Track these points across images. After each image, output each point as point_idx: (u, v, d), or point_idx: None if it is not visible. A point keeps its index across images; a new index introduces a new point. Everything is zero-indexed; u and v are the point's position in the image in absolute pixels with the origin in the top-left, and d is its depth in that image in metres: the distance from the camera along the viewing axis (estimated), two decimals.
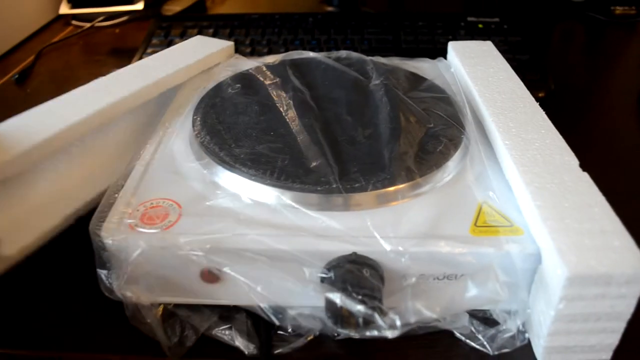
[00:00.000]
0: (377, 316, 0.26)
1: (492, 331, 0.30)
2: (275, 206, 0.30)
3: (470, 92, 0.42)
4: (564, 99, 0.55)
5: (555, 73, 0.58)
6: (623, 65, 0.65)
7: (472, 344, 0.30)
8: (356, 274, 0.27)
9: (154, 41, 0.62)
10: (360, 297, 0.27)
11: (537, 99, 0.38)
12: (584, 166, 0.31)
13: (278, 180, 0.30)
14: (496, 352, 0.29)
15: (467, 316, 0.30)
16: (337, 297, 0.27)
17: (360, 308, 0.26)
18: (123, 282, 0.29)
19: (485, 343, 0.29)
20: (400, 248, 0.28)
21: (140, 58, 0.59)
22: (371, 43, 0.61)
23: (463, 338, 0.30)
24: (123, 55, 0.63)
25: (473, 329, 0.30)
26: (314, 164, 0.32)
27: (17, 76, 0.59)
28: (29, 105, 0.57)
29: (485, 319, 0.30)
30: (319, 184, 0.30)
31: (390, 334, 0.27)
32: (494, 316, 0.30)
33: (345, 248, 0.28)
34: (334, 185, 0.30)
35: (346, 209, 0.30)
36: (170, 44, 0.61)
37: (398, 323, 0.27)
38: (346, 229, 0.29)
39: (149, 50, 0.60)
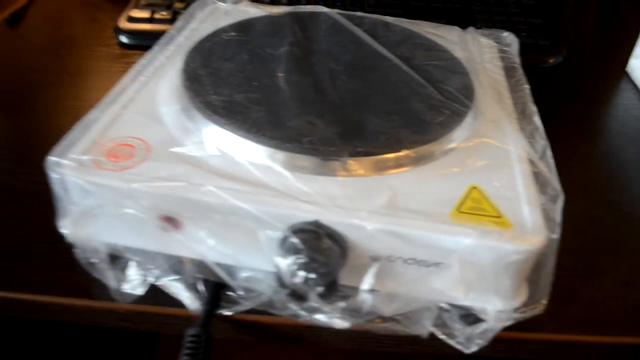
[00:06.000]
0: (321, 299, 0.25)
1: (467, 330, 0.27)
2: (241, 160, 0.28)
3: None
4: (574, 67, 0.50)
5: (568, 40, 0.53)
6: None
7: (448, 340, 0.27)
8: (314, 243, 0.25)
9: None
10: (314, 267, 0.24)
11: (547, 65, 0.34)
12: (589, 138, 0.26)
13: (248, 132, 0.28)
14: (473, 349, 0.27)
15: (430, 319, 0.27)
16: (287, 264, 0.25)
17: (310, 280, 0.24)
18: (74, 220, 0.28)
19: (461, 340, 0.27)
20: (365, 222, 0.25)
21: (137, 4, 0.56)
22: None
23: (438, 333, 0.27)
24: (120, 0, 0.60)
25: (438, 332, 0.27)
26: (291, 120, 0.29)
27: (10, 17, 0.57)
28: (21, 47, 0.55)
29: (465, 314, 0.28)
30: (291, 141, 0.27)
31: (339, 324, 0.25)
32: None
33: (307, 215, 0.25)
34: (307, 146, 0.27)
35: (316, 172, 0.27)
36: None
37: (346, 324, 0.26)
38: (313, 193, 0.26)
39: None
